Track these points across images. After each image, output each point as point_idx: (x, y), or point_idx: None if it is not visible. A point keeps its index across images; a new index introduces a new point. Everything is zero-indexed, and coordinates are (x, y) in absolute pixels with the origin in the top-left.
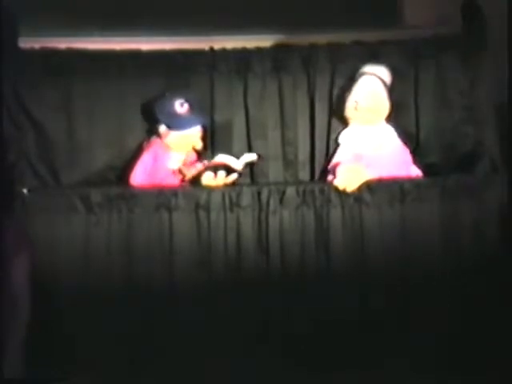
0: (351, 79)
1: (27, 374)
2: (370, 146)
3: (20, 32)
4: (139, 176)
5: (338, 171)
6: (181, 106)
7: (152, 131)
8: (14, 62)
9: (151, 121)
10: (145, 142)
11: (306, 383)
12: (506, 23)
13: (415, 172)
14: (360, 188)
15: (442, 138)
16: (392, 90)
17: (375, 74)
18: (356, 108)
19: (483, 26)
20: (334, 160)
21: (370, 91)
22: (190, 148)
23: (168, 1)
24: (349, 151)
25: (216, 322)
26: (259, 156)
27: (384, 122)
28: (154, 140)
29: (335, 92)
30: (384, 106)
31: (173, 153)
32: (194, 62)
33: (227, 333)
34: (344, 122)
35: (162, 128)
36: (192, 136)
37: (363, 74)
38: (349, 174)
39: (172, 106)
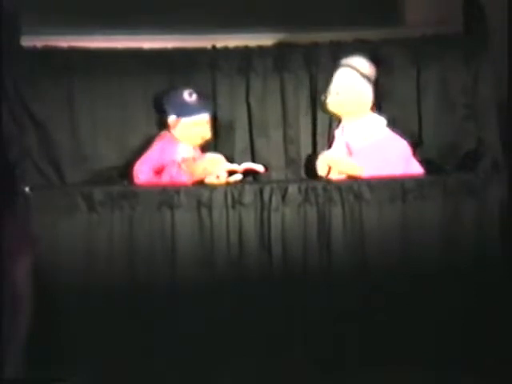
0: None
1: (27, 374)
2: (358, 138)
3: (22, 31)
4: (145, 173)
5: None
6: (189, 96)
7: (160, 126)
8: (15, 60)
9: (159, 115)
10: (156, 138)
11: (306, 382)
12: (506, 23)
13: (415, 168)
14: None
15: (444, 137)
16: (378, 82)
17: (350, 66)
18: (330, 101)
19: (485, 25)
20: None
21: (344, 83)
22: (199, 139)
23: None
24: (341, 145)
25: (218, 320)
26: (265, 167)
27: (373, 114)
28: (163, 134)
29: None
30: (361, 97)
31: (181, 145)
32: (195, 61)
33: (229, 331)
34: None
35: (172, 118)
36: (201, 123)
37: (339, 66)
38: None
39: (181, 95)
